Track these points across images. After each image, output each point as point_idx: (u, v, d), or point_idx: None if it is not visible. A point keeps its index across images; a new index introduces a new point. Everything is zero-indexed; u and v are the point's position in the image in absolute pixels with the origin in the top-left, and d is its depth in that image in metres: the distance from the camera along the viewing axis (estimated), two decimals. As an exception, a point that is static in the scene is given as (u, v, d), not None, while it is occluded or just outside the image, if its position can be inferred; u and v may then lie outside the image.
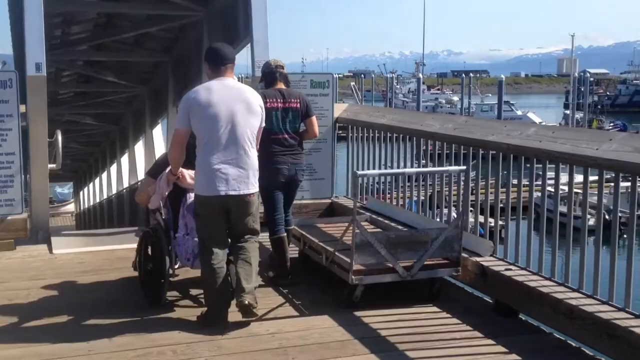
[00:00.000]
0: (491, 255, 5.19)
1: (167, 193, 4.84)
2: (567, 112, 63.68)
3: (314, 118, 5.71)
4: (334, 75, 7.80)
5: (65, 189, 37.70)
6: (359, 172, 4.92)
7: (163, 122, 14.13)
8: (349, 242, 4.88)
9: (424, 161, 6.28)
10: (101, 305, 4.96)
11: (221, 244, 4.60)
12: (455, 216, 5.50)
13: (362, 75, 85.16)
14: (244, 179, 4.54)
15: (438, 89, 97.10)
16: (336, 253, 5.13)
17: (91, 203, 23.87)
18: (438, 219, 5.98)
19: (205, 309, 4.61)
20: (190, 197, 4.76)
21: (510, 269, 4.91)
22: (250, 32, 7.36)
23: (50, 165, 6.92)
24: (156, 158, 5.52)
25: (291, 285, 5.37)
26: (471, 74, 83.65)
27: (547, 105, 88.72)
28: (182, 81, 11.71)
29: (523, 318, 4.75)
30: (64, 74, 14.68)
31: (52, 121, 17.83)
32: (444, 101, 77.68)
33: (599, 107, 66.08)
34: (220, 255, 4.55)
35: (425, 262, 4.96)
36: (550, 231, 4.79)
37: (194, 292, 5.17)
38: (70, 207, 32.44)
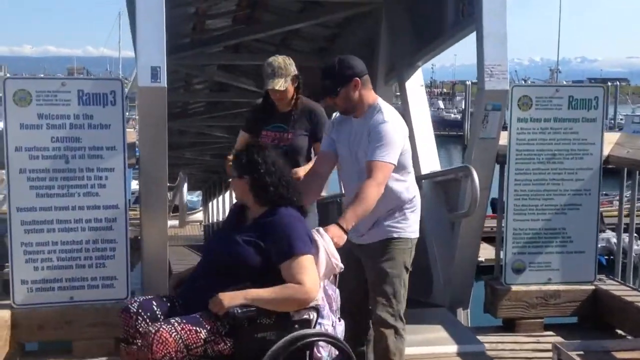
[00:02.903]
0: None
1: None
2: None
3: None
4: (601, 87, 4.98)
5: (194, 196, 36.74)
6: None
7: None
8: None
9: None
10: None
11: None
12: None
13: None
14: None
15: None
16: None
17: (220, 217, 22.06)
18: None
19: None
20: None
21: None
22: (476, 20, 4.67)
23: (172, 223, 4.53)
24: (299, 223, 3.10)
25: None
26: (616, 82, 76.96)
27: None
28: (339, 91, 9.20)
29: None
30: (194, 81, 12.57)
31: (179, 133, 16.09)
32: (584, 111, 71.68)
33: None
34: None
35: None
36: None
37: None
38: (199, 215, 31.25)
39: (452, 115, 67.96)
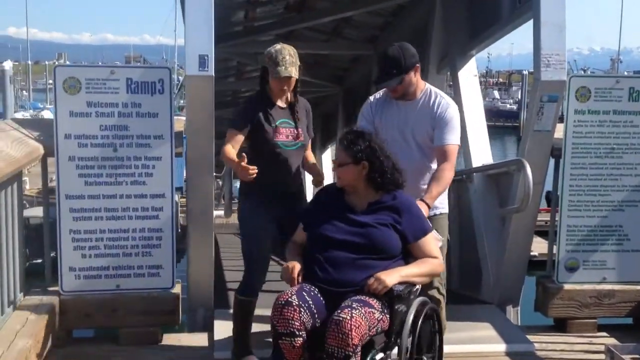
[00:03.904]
0: None
1: None
2: None
3: None
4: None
5: (245, 184, 36.92)
6: None
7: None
8: None
9: None
10: None
11: None
12: None
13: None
14: None
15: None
16: None
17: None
18: None
19: None
20: None
21: None
22: (534, 6, 4.49)
23: (217, 213, 4.53)
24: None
25: None
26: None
27: None
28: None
29: None
30: (246, 69, 12.60)
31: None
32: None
33: None
34: None
35: None
36: None
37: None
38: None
39: (508, 106, 66.78)
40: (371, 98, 3.94)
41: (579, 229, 4.66)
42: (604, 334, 4.63)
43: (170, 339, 4.38)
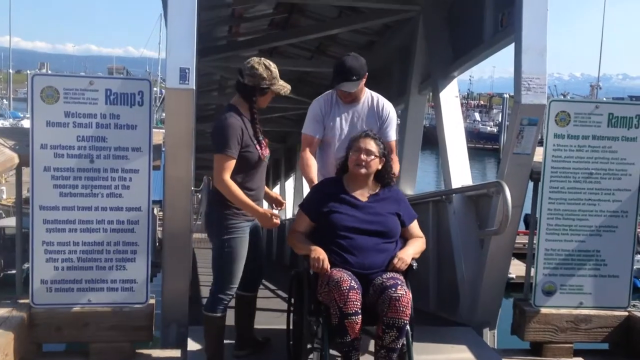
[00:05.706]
0: None
1: None
2: None
3: None
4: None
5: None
6: None
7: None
8: None
9: None
10: None
11: None
12: None
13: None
14: None
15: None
16: None
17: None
18: None
19: None
20: None
21: None
22: (516, 30, 4.50)
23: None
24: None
25: None
26: (660, 100, 75.22)
27: None
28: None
29: None
30: (228, 83, 12.57)
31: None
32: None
33: None
34: None
35: None
36: None
37: None
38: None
39: (489, 128, 67.37)
40: (319, 100, 4.35)
41: (556, 252, 4.66)
42: (580, 359, 4.62)
43: (142, 354, 4.30)
